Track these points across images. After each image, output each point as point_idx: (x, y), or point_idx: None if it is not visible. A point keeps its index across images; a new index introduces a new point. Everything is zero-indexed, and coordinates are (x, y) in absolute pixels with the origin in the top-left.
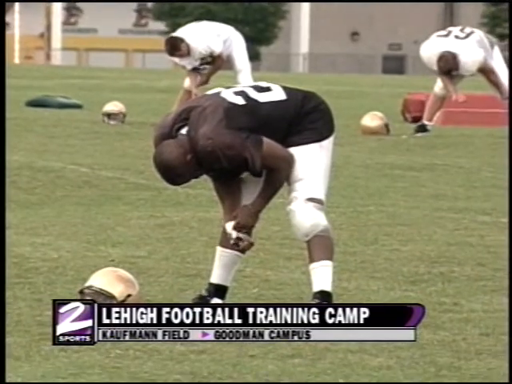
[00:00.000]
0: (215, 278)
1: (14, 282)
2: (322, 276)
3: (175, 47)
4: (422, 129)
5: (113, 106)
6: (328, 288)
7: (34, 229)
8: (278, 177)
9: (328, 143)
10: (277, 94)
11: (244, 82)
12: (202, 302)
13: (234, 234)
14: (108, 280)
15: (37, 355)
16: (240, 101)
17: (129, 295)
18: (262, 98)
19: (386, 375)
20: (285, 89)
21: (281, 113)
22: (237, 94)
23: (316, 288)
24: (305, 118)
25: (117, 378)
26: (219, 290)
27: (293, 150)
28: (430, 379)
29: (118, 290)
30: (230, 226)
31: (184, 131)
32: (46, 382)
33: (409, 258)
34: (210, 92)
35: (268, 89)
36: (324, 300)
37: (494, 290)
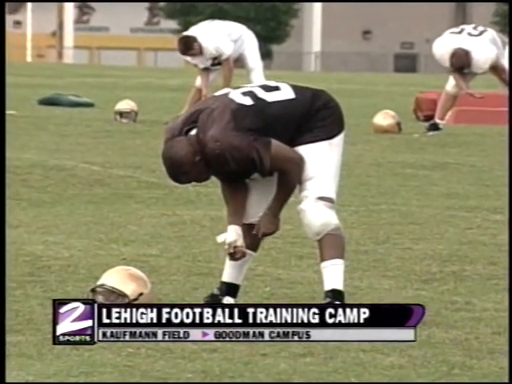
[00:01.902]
0: (227, 276)
1: (26, 280)
2: (333, 274)
3: (188, 46)
4: (434, 127)
5: (125, 105)
6: (340, 286)
7: (46, 227)
8: (288, 179)
9: (338, 141)
10: (285, 93)
11: (256, 81)
12: (214, 300)
13: (227, 247)
14: (120, 278)
15: (49, 353)
16: (248, 101)
17: (141, 294)
18: (271, 97)
19: (397, 374)
20: (294, 87)
21: (289, 112)
22: (245, 94)
23: (327, 287)
24: (314, 116)
25: (128, 377)
26: (231, 289)
27: (302, 148)
28: (442, 378)
29: (130, 289)
30: (221, 238)
31: (194, 133)
32: (57, 380)
33: (421, 256)
34: (218, 93)
35: (276, 88)
36: (336, 299)
37: (506, 288)
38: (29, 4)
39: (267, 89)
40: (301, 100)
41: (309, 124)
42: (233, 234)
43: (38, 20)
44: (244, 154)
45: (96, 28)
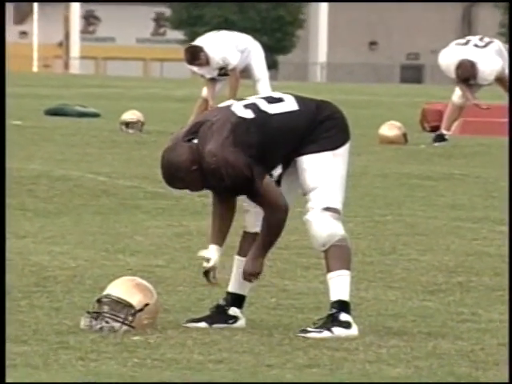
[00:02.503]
0: (233, 287)
1: (32, 290)
2: (339, 285)
3: (194, 56)
4: (440, 138)
5: (131, 115)
6: (346, 297)
7: (52, 237)
8: (270, 222)
9: (343, 151)
10: (288, 105)
11: (263, 91)
12: (220, 311)
13: (205, 264)
14: (126, 289)
15: (54, 364)
16: (249, 114)
17: (147, 304)
18: (273, 109)
19: None
20: (297, 99)
21: (291, 123)
22: (247, 107)
23: (333, 297)
24: (318, 127)
25: None
26: (237, 300)
27: (306, 158)
28: None
29: (135, 299)
30: (202, 253)
31: (195, 141)
32: None
33: (427, 267)
34: (222, 104)
35: (280, 100)
36: (341, 310)
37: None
38: (35, 14)
39: (270, 100)
40: (304, 112)
41: (313, 135)
42: (214, 253)
43: (44, 30)
44: (239, 172)
45: (102, 38)
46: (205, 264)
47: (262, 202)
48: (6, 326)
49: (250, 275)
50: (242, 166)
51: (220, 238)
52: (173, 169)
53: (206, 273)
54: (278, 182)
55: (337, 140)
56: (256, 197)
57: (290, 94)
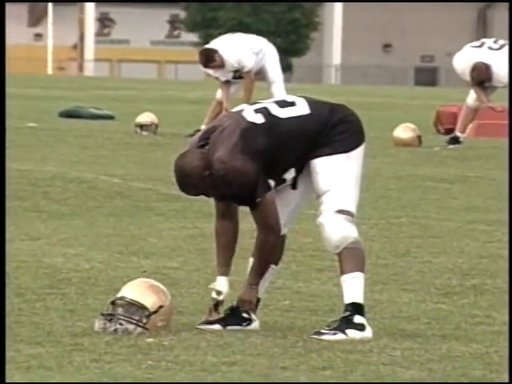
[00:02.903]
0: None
1: (46, 292)
2: (353, 288)
3: (209, 59)
4: (455, 141)
5: (145, 117)
6: (360, 300)
7: (66, 239)
8: (262, 241)
9: (357, 154)
10: (300, 109)
11: (277, 93)
12: (234, 313)
13: (216, 296)
14: (140, 291)
15: (69, 366)
16: (259, 119)
17: (161, 306)
18: (284, 113)
19: None
20: (310, 103)
21: (302, 127)
22: (257, 111)
23: (347, 300)
24: (332, 130)
25: None
26: None
27: (319, 160)
28: None
29: (150, 301)
30: (214, 285)
31: (207, 148)
32: None
33: (441, 270)
34: (234, 109)
35: (292, 103)
36: (356, 312)
37: None
38: (50, 17)
39: (282, 104)
40: (316, 115)
41: (326, 138)
42: (224, 286)
43: (58, 33)
44: (245, 179)
45: (117, 41)
46: (215, 296)
47: (259, 217)
48: (5, 327)
49: (244, 302)
50: (250, 174)
51: (227, 267)
52: (185, 176)
53: (216, 305)
54: (294, 185)
55: (350, 143)
56: (255, 209)
57: (303, 97)
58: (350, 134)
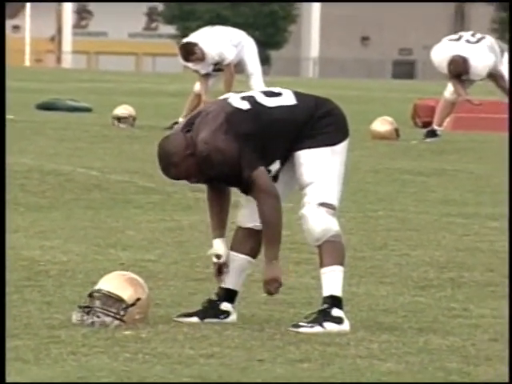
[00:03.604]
0: (225, 282)
1: (24, 284)
2: (332, 281)
3: (190, 52)
4: (432, 134)
5: (123, 110)
6: (338, 293)
7: (44, 232)
8: (262, 211)
9: (341, 148)
10: (287, 99)
11: (256, 86)
12: (212, 306)
13: (216, 260)
14: (117, 283)
15: (46, 358)
16: (245, 105)
17: (138, 299)
18: (271, 102)
19: (395, 380)
20: (296, 94)
21: (289, 118)
22: (243, 98)
23: (326, 293)
24: (317, 122)
25: (126, 382)
26: (229, 295)
27: (304, 152)
28: None
29: (127, 294)
30: (211, 251)
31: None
32: None
33: (418, 263)
34: (220, 97)
35: (278, 94)
36: (333, 305)
37: (504, 295)
38: (27, 9)
39: (269, 94)
40: (302, 107)
41: (312, 130)
42: (222, 248)
43: (36, 25)
44: (228, 159)
45: (94, 33)
46: (216, 260)
47: (253, 191)
48: (5, 328)
49: (270, 283)
50: (232, 153)
51: (222, 229)
52: (167, 154)
53: (219, 268)
54: (275, 177)
55: (335, 136)
56: (246, 186)
57: (288, 89)
58: (336, 127)
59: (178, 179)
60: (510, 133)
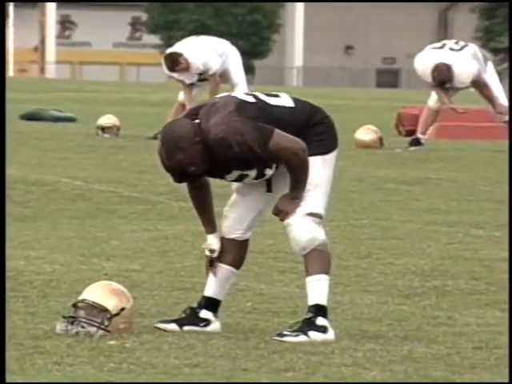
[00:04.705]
0: (208, 291)
1: (8, 295)
2: (317, 290)
3: (175, 62)
4: (416, 142)
5: (107, 120)
6: (323, 302)
7: (28, 242)
8: (292, 168)
9: (331, 158)
10: (285, 101)
11: None
12: (192, 313)
13: (210, 254)
14: (102, 293)
15: (31, 369)
16: (251, 99)
17: (122, 309)
18: (272, 101)
19: None
20: (293, 98)
21: (290, 118)
22: (247, 94)
23: (311, 301)
24: (311, 129)
25: None
26: (211, 304)
27: None
28: None
29: (111, 304)
30: (204, 245)
31: (197, 121)
32: None
33: (402, 271)
34: (220, 94)
35: (277, 95)
36: (318, 314)
37: (488, 303)
38: (11, 19)
39: (268, 95)
40: (300, 110)
41: (305, 137)
42: (215, 242)
43: (19, 35)
44: (247, 138)
45: (78, 43)
46: (209, 254)
47: (278, 157)
48: (5, 329)
49: (280, 212)
50: (251, 132)
51: (213, 224)
52: (176, 138)
53: (211, 261)
54: (269, 184)
55: (327, 145)
56: (269, 158)
57: (285, 93)
58: (328, 136)
59: (176, 169)
60: (510, 140)
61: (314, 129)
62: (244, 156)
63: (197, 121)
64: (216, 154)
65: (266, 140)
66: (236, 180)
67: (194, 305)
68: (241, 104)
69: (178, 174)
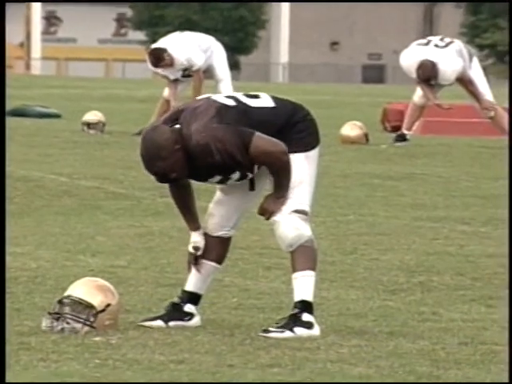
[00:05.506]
0: (190, 285)
1: None
2: (303, 286)
3: (159, 58)
4: (402, 138)
5: (92, 116)
6: (309, 298)
7: (13, 238)
8: (274, 170)
9: (314, 154)
10: (266, 102)
11: (225, 92)
12: (175, 309)
13: (194, 251)
14: (87, 290)
15: (16, 365)
16: (231, 103)
17: (108, 305)
18: (253, 103)
19: None
20: (274, 98)
21: (270, 119)
22: (228, 97)
23: (297, 297)
24: (292, 127)
25: None
26: (193, 298)
27: None
28: None
29: (97, 300)
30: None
31: (177, 126)
32: None
33: (388, 267)
34: (200, 97)
35: (257, 96)
36: (304, 310)
37: (473, 299)
38: None
39: (249, 96)
40: (281, 110)
41: (287, 135)
42: (199, 240)
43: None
44: (228, 145)
45: (64, 39)
46: (193, 251)
47: (261, 161)
48: (5, 330)
49: (265, 211)
50: (231, 139)
51: (196, 222)
52: (156, 147)
53: (195, 259)
54: (252, 186)
55: (309, 142)
56: (246, 168)
57: (265, 93)
58: (309, 133)
59: (158, 174)
60: (510, 138)
61: (296, 127)
62: (225, 162)
63: (177, 126)
64: (197, 160)
65: (246, 144)
66: (219, 183)
67: (176, 300)
68: (221, 109)
69: (160, 178)
